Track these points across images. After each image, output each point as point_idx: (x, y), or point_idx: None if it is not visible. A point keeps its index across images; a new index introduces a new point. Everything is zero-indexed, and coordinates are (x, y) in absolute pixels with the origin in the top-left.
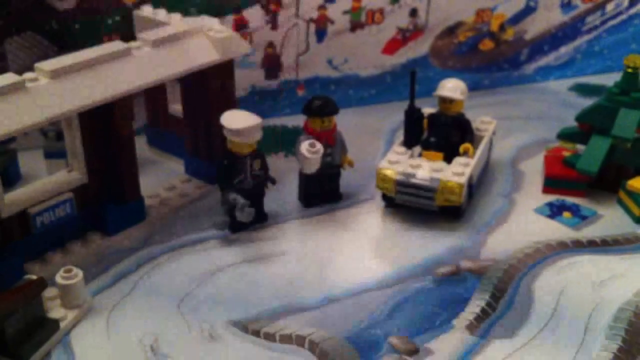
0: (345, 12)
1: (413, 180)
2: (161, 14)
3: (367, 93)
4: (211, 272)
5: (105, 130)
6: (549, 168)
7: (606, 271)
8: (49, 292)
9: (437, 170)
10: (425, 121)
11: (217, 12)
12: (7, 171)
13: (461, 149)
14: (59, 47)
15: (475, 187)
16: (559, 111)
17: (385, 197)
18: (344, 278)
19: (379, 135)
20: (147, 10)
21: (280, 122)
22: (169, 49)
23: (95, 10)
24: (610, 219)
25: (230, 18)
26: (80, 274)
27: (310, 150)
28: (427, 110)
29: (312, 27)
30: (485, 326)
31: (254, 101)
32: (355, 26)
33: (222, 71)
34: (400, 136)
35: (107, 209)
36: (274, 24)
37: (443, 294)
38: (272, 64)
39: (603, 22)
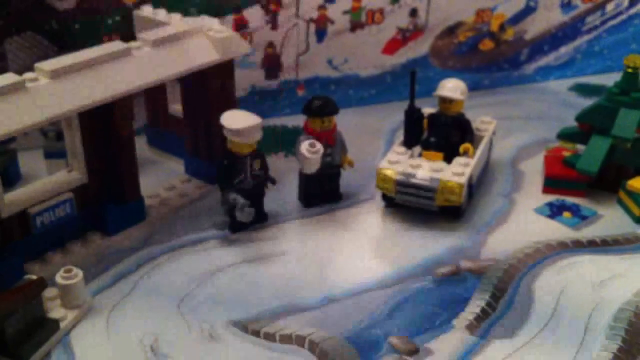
0: (345, 12)
1: (413, 180)
2: (161, 14)
3: (367, 93)
4: (211, 272)
5: (105, 130)
6: (549, 168)
7: (606, 271)
8: (49, 292)
9: (437, 170)
10: (425, 121)
11: (217, 12)
12: (7, 171)
13: (461, 149)
14: (59, 47)
15: (475, 187)
16: (559, 111)
17: (385, 197)
18: (344, 278)
19: (379, 135)
20: (147, 10)
21: (280, 122)
22: (169, 49)
23: (95, 10)
24: (610, 219)
25: (230, 18)
26: (80, 274)
27: (310, 150)
28: (427, 110)
29: (312, 27)
30: (485, 326)
31: (254, 101)
32: (355, 26)
33: (222, 71)
34: (400, 136)
35: (107, 209)
36: (274, 24)
37: (443, 294)
38: (272, 64)
39: (603, 22)
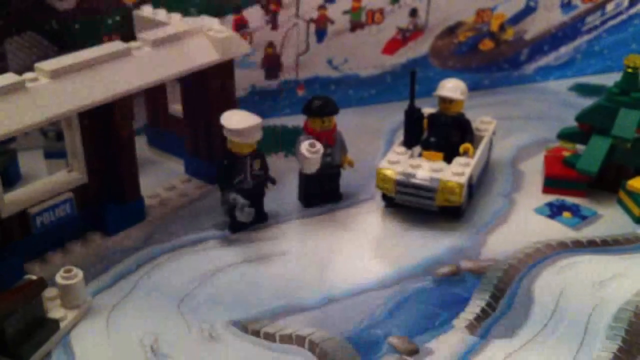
0: (345, 12)
1: (413, 180)
2: (161, 14)
3: (367, 93)
4: (211, 272)
5: (105, 130)
6: (549, 168)
7: (606, 271)
8: (49, 292)
9: (437, 170)
10: (425, 121)
11: (217, 12)
12: (7, 171)
13: (461, 149)
14: (59, 47)
15: (475, 187)
16: (559, 111)
17: (385, 197)
18: (343, 278)
19: (379, 135)
20: (147, 10)
21: (280, 122)
22: (169, 49)
23: (95, 10)
24: (610, 219)
25: (230, 18)
26: (80, 274)
27: (310, 150)
28: (427, 110)
29: (312, 27)
30: (485, 326)
31: (254, 101)
32: (355, 26)
33: (222, 71)
34: (400, 136)
35: (107, 209)
36: (274, 24)
37: (443, 294)
38: (272, 64)
39: (603, 22)
